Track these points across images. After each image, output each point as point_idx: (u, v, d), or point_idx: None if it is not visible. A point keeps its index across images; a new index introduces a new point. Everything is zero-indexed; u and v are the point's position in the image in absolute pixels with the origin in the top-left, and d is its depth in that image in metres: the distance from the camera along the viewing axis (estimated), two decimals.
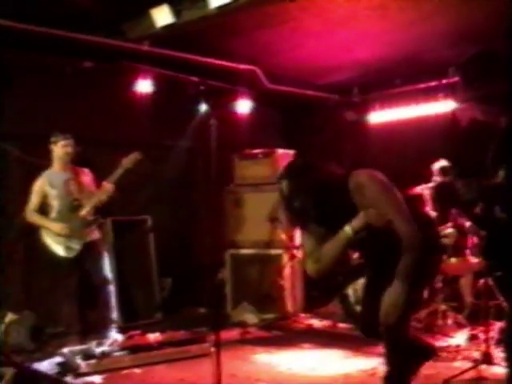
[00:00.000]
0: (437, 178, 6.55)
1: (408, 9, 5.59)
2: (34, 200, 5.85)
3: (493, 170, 2.87)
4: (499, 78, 2.86)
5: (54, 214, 5.85)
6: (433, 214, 6.43)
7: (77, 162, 6.02)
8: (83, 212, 5.82)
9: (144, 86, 6.75)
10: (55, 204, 5.85)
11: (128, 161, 5.84)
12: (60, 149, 5.84)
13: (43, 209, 5.88)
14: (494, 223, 2.84)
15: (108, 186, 5.83)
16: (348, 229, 3.45)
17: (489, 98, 2.89)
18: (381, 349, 5.53)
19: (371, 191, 3.50)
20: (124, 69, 6.67)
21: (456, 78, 6.84)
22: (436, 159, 6.68)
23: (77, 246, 5.77)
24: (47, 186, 5.84)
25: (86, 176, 6.04)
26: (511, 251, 2.79)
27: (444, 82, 7.20)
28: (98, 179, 6.04)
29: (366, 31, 6.15)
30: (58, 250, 5.77)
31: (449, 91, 7.14)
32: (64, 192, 5.84)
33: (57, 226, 5.76)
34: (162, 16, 5.75)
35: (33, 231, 5.88)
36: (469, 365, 4.78)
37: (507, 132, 2.86)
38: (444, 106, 7.33)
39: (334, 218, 3.52)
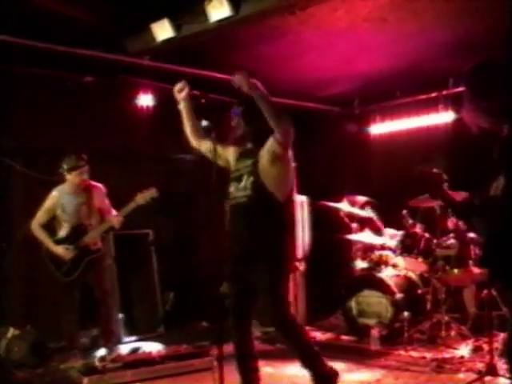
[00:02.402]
0: None
1: (407, 20, 5.61)
2: (44, 216, 5.83)
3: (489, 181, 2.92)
4: (501, 88, 2.88)
5: (61, 235, 5.84)
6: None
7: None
8: (86, 240, 5.80)
9: (145, 99, 6.79)
10: (65, 226, 5.84)
11: (142, 197, 5.74)
12: (75, 177, 5.74)
13: (52, 225, 5.88)
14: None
15: (117, 218, 5.78)
16: None
17: (493, 109, 2.92)
18: (384, 361, 5.54)
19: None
20: (126, 83, 6.70)
21: (456, 89, 6.92)
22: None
23: (76, 271, 5.75)
24: (59, 208, 5.81)
25: (99, 193, 5.94)
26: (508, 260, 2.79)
27: (444, 93, 7.23)
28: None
29: (366, 43, 6.17)
30: (58, 273, 5.77)
31: (449, 102, 7.17)
32: (74, 217, 5.81)
33: (60, 250, 5.75)
34: (163, 30, 5.78)
35: (35, 246, 5.87)
36: (473, 376, 4.76)
37: (507, 140, 2.87)
38: (444, 117, 7.36)
39: None
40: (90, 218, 5.85)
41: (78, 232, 5.80)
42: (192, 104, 4.42)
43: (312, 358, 4.17)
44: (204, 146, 4.41)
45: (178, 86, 4.38)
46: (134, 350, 5.59)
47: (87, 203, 5.85)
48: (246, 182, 4.11)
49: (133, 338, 6.67)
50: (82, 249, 5.78)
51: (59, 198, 5.82)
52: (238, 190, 4.16)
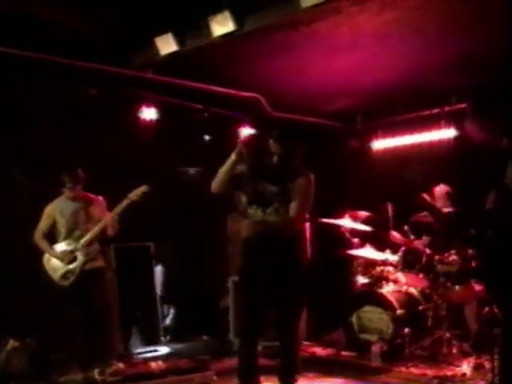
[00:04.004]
0: (439, 203, 6.57)
1: (411, 37, 5.63)
2: (44, 224, 5.90)
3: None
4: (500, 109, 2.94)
5: (60, 241, 5.87)
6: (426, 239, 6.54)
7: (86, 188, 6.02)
8: (82, 241, 5.82)
9: (149, 113, 6.81)
10: (63, 232, 5.88)
11: (134, 193, 5.82)
12: (70, 192, 5.86)
13: (52, 233, 5.92)
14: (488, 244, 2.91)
15: (111, 216, 5.82)
16: None
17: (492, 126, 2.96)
18: (384, 378, 5.52)
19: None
20: (129, 96, 6.72)
21: (459, 105, 6.94)
22: (437, 184, 6.72)
23: (72, 275, 5.76)
24: (58, 214, 5.88)
25: (99, 204, 6.00)
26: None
27: (446, 109, 7.24)
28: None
29: (369, 59, 6.19)
30: (55, 277, 5.78)
31: (451, 118, 7.17)
32: (71, 222, 5.86)
33: (58, 254, 5.79)
34: (167, 44, 5.81)
35: (36, 257, 5.88)
36: None
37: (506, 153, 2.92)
38: (447, 133, 7.36)
39: None
40: (86, 223, 5.88)
41: (74, 236, 5.84)
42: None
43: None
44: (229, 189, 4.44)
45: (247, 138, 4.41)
46: (134, 364, 5.57)
47: (85, 209, 5.91)
48: (280, 209, 4.19)
49: (133, 352, 6.65)
50: (79, 252, 5.81)
51: (58, 203, 5.92)
52: (267, 214, 4.20)
